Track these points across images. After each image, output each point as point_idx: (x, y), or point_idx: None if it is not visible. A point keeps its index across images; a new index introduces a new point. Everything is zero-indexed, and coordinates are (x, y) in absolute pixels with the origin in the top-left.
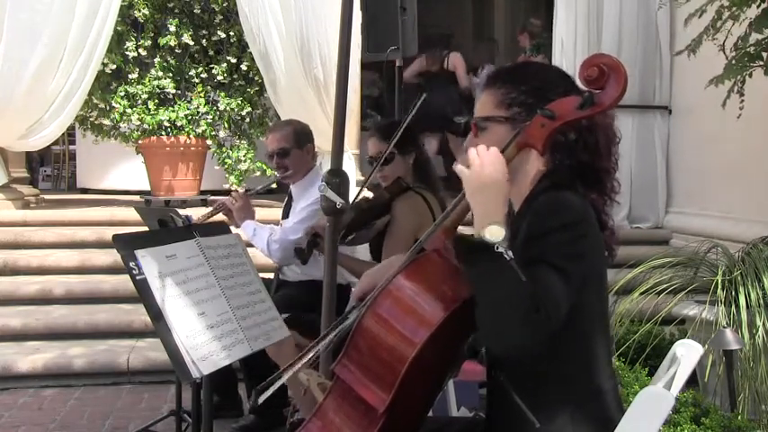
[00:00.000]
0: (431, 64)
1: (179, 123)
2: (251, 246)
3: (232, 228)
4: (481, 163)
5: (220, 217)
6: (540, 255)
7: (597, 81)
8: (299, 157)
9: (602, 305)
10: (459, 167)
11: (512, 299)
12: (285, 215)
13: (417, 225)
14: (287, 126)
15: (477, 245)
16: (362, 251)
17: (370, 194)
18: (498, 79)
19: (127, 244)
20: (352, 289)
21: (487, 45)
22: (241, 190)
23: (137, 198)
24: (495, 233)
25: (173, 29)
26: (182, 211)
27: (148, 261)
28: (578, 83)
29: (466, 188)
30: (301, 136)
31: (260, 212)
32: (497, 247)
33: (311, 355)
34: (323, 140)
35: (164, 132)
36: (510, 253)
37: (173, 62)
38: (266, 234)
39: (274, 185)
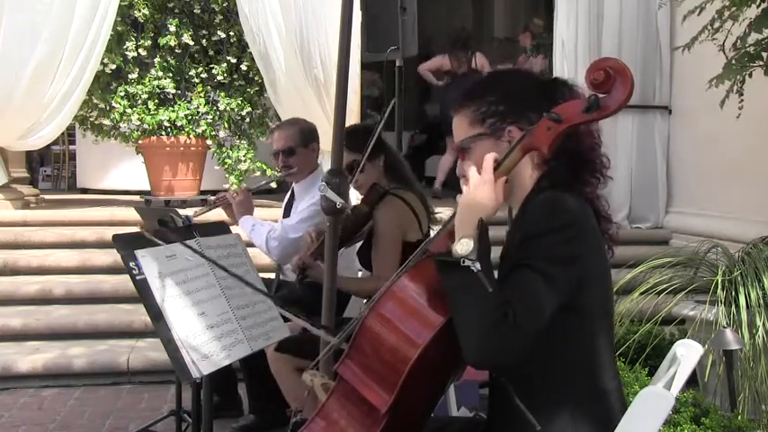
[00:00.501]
0: (458, 66)
1: (179, 123)
2: (251, 246)
3: (232, 227)
4: (475, 181)
5: (220, 215)
6: (527, 258)
7: (603, 85)
8: (305, 155)
9: (606, 305)
10: (463, 187)
11: (477, 312)
12: (286, 213)
13: (401, 228)
14: (293, 125)
15: (444, 259)
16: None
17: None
18: (465, 100)
19: (127, 244)
20: None
21: (502, 45)
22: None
23: (137, 198)
24: (463, 246)
25: (173, 29)
26: (182, 211)
27: (148, 261)
28: (539, 77)
29: (460, 202)
30: (307, 135)
31: (260, 212)
32: (464, 261)
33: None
34: (323, 140)
35: (164, 132)
36: (477, 265)
37: (173, 62)
38: (265, 231)
39: (274, 185)
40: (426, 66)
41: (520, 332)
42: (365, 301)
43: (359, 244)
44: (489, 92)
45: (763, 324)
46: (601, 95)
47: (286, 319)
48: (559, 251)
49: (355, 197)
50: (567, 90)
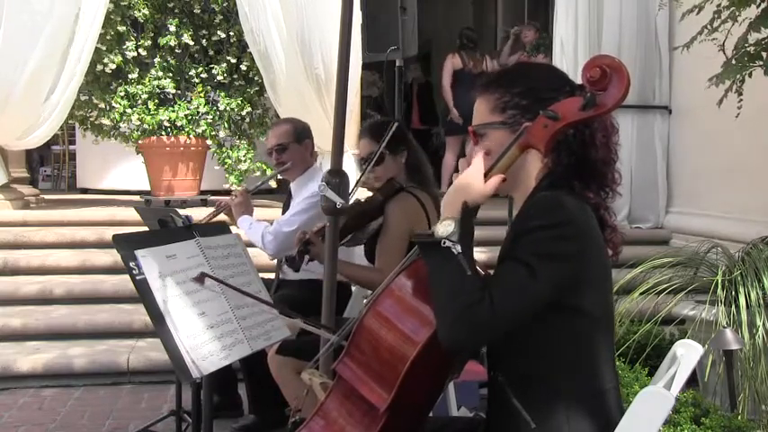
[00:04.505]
0: (471, 64)
1: (179, 123)
2: (251, 246)
3: (233, 228)
4: (466, 172)
5: (222, 216)
6: (513, 251)
7: (599, 82)
8: (297, 151)
9: (605, 307)
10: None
11: (453, 293)
12: (284, 213)
13: (410, 226)
14: (286, 123)
15: (426, 240)
16: (359, 253)
17: (368, 194)
18: (490, 85)
19: (127, 244)
20: (352, 288)
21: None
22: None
23: (137, 198)
24: (445, 227)
25: (173, 29)
26: (182, 211)
27: (148, 261)
28: (572, 79)
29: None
30: (300, 132)
31: (260, 212)
32: (444, 242)
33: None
34: (323, 140)
35: (164, 132)
36: (458, 248)
37: (173, 62)
38: (261, 227)
39: (274, 184)
40: (446, 80)
41: (494, 318)
42: (365, 300)
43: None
44: (516, 83)
45: (763, 324)
46: (597, 93)
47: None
48: (547, 247)
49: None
50: None
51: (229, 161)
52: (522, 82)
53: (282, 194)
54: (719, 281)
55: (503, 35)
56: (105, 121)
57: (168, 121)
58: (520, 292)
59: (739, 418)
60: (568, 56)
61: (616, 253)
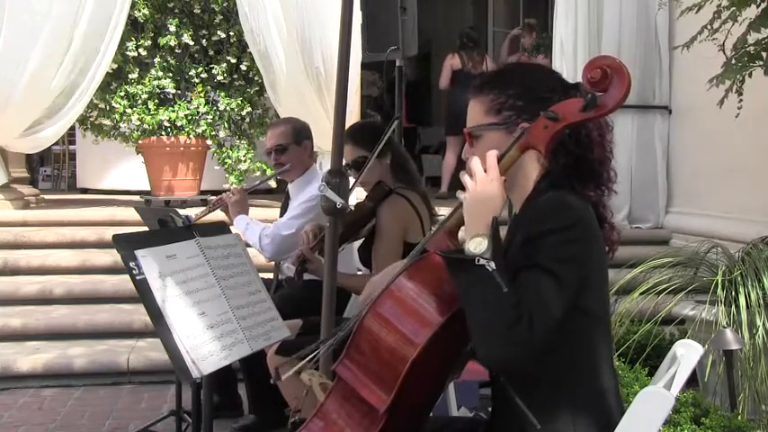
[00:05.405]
0: (470, 64)
1: (179, 123)
2: (251, 246)
3: (231, 228)
4: (482, 177)
5: (219, 215)
6: (533, 258)
7: (600, 83)
8: (297, 152)
9: (605, 306)
10: (464, 178)
11: (492, 312)
12: (282, 214)
13: (403, 229)
14: (285, 123)
15: (458, 257)
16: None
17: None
18: (484, 86)
19: (127, 244)
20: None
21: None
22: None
23: (137, 198)
24: (477, 245)
25: (173, 29)
26: (182, 211)
27: (148, 261)
28: (571, 80)
29: (465, 197)
30: (299, 132)
31: (259, 211)
32: (478, 260)
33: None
34: (323, 140)
35: (164, 132)
36: (492, 264)
37: (173, 62)
38: (259, 229)
39: (273, 184)
40: (444, 81)
41: (534, 333)
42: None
43: (358, 242)
44: (511, 84)
45: (763, 324)
46: (598, 94)
47: (285, 319)
48: (564, 250)
49: (355, 197)
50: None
51: (229, 161)
52: (517, 83)
53: (281, 194)
54: (719, 281)
55: (503, 37)
56: (105, 121)
57: (168, 121)
58: (553, 304)
59: (739, 418)
60: (568, 56)
61: (612, 250)
